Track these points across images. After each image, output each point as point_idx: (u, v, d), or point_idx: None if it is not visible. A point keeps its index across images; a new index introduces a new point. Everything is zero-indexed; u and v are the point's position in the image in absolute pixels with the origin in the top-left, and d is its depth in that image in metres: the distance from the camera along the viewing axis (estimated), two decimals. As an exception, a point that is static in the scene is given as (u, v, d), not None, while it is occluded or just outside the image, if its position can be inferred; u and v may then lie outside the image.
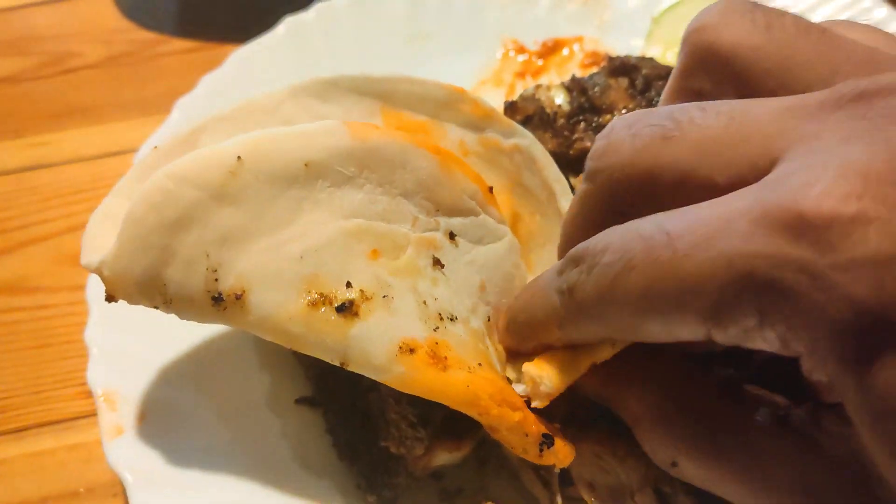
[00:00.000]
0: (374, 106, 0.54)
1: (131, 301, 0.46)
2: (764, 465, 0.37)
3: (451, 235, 0.50)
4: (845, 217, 0.28)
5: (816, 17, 0.85)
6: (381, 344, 0.44)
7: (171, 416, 0.56)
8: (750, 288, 0.30)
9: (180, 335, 0.60)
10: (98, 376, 0.58)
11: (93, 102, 0.95)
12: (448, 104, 0.56)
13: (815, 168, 0.30)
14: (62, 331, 0.73)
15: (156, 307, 0.46)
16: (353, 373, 0.45)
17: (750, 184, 0.33)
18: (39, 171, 0.88)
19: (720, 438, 0.38)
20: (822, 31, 0.37)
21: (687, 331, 0.34)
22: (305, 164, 0.46)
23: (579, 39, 0.90)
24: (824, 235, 0.28)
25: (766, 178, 0.32)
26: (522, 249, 0.54)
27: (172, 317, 0.60)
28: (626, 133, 0.38)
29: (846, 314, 0.28)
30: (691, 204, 0.34)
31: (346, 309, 0.44)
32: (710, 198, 0.34)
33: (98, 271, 0.45)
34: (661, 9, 0.89)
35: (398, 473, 0.50)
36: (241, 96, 0.79)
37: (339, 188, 0.47)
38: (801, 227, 0.29)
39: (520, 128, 0.58)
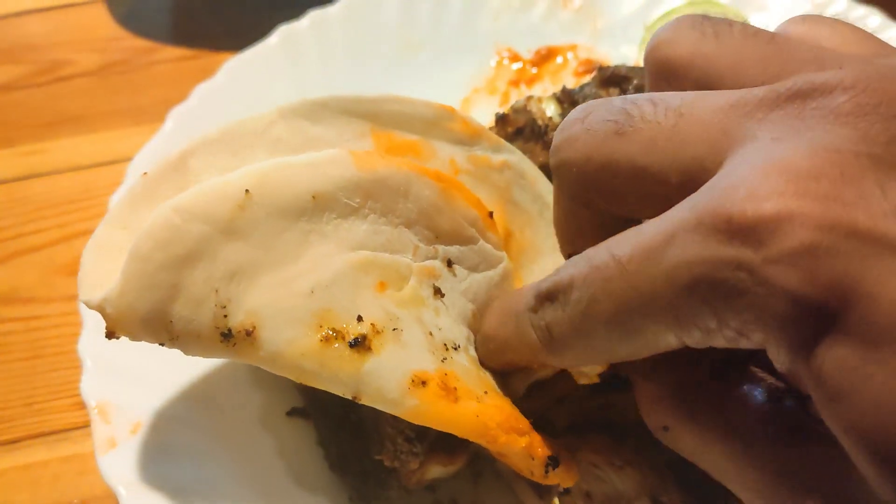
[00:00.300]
0: (364, 126, 0.54)
1: (133, 338, 0.45)
2: (749, 442, 0.37)
3: (449, 263, 0.50)
4: (769, 214, 0.30)
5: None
6: (394, 378, 0.44)
7: (165, 430, 0.56)
8: (699, 294, 0.32)
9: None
10: (92, 388, 0.58)
11: (86, 111, 0.95)
12: (437, 123, 0.56)
13: (742, 170, 0.32)
14: (55, 342, 0.72)
15: (161, 344, 0.45)
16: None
17: (700, 183, 0.34)
18: (32, 180, 0.88)
19: (711, 409, 0.39)
20: (771, 36, 0.39)
21: (662, 344, 0.36)
22: (313, 197, 0.45)
23: (573, 47, 0.90)
24: (753, 234, 0.30)
25: (704, 185, 0.34)
26: (514, 266, 0.54)
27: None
28: (580, 127, 0.40)
29: (785, 305, 0.30)
30: (648, 200, 0.37)
31: (360, 344, 0.44)
32: (665, 193, 0.36)
33: (100, 309, 0.44)
34: (654, 17, 0.89)
35: (391, 486, 0.50)
36: (235, 106, 0.80)
37: (345, 219, 0.46)
38: (732, 229, 0.30)
39: (507, 144, 0.58)
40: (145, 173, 0.51)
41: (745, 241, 0.30)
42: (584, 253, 0.38)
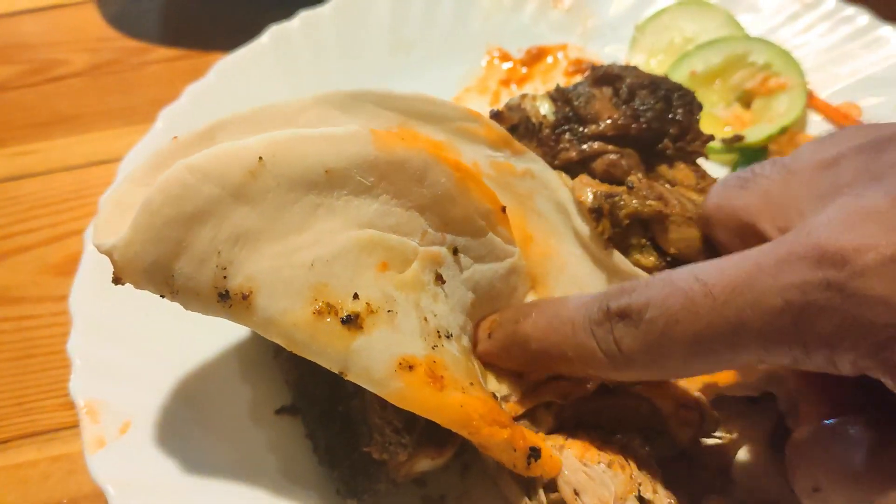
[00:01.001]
0: (391, 122, 0.55)
1: (138, 286, 0.46)
2: None
3: (455, 251, 0.50)
4: (853, 241, 0.34)
5: (799, 26, 0.86)
6: (382, 359, 0.44)
7: (154, 428, 0.56)
8: (789, 318, 0.35)
9: (164, 346, 0.60)
10: (81, 387, 0.58)
11: (78, 111, 0.95)
12: (464, 126, 0.57)
13: (830, 214, 0.37)
14: (46, 341, 0.72)
15: (161, 295, 0.46)
16: (333, 377, 0.45)
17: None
18: (24, 180, 0.88)
19: (870, 463, 0.39)
20: None
21: (739, 363, 0.39)
22: (326, 171, 0.46)
23: (563, 47, 0.90)
24: (839, 256, 0.34)
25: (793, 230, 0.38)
26: (540, 271, 0.54)
27: (157, 328, 0.60)
28: (720, 182, 0.51)
29: (875, 311, 0.33)
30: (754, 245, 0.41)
31: (351, 321, 0.44)
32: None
33: (108, 254, 0.45)
34: (645, 17, 0.90)
35: (379, 479, 0.50)
36: (225, 105, 0.79)
37: (357, 197, 0.47)
38: (820, 256, 0.34)
39: (531, 153, 0.58)
40: (175, 138, 0.52)
41: (832, 264, 0.34)
42: (662, 273, 0.42)
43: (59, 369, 0.69)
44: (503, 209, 0.53)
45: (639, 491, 0.51)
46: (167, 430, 0.56)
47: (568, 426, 0.53)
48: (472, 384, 0.46)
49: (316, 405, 0.55)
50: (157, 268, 0.44)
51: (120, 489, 0.52)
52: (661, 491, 0.52)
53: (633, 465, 0.51)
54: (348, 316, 0.44)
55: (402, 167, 0.48)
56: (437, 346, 0.46)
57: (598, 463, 0.52)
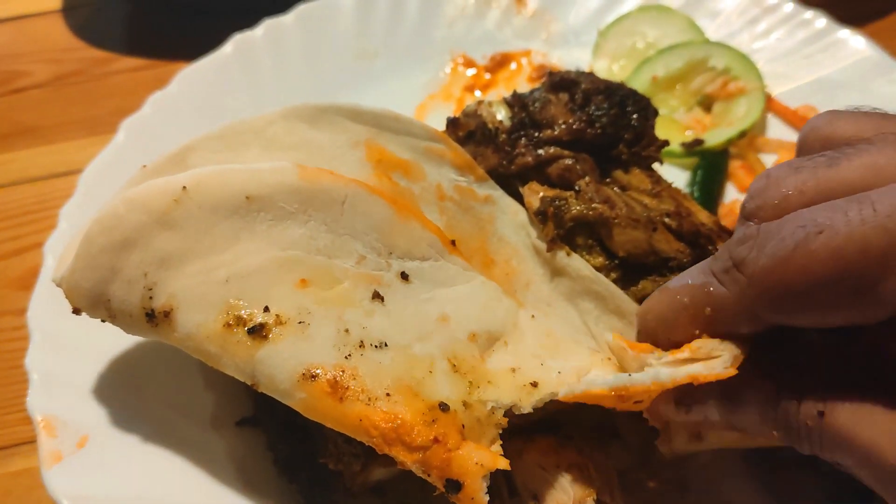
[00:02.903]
0: (359, 137, 0.56)
1: (87, 313, 0.49)
2: None
3: (404, 276, 0.51)
4: None
5: (758, 30, 0.87)
6: (286, 368, 0.45)
7: (113, 441, 0.56)
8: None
9: (123, 360, 0.60)
10: (38, 402, 0.57)
11: (41, 122, 0.95)
12: (431, 147, 0.58)
13: None
14: (6, 356, 0.72)
15: (104, 320, 0.49)
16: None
17: None
18: (-15, 193, 0.87)
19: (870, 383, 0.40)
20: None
21: None
22: (247, 198, 0.49)
23: (527, 53, 0.91)
24: None
25: None
26: (506, 289, 0.55)
27: (115, 341, 0.60)
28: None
29: None
30: None
31: (257, 331, 0.45)
32: None
33: (58, 285, 0.50)
34: (607, 22, 0.90)
35: (336, 489, 0.50)
36: (188, 115, 0.79)
37: (281, 222, 0.49)
38: None
39: (491, 180, 0.59)
40: (144, 166, 0.55)
41: None
42: None
43: (20, 384, 0.67)
44: (452, 242, 0.55)
45: (598, 494, 0.51)
46: (125, 444, 0.56)
47: (527, 426, 0.53)
48: (388, 395, 0.45)
49: (277, 417, 0.55)
50: (95, 293, 0.48)
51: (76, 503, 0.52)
52: (619, 496, 0.53)
53: (591, 468, 0.52)
54: (254, 326, 0.46)
55: (329, 196, 0.51)
56: (351, 355, 0.46)
57: (557, 467, 0.52)
